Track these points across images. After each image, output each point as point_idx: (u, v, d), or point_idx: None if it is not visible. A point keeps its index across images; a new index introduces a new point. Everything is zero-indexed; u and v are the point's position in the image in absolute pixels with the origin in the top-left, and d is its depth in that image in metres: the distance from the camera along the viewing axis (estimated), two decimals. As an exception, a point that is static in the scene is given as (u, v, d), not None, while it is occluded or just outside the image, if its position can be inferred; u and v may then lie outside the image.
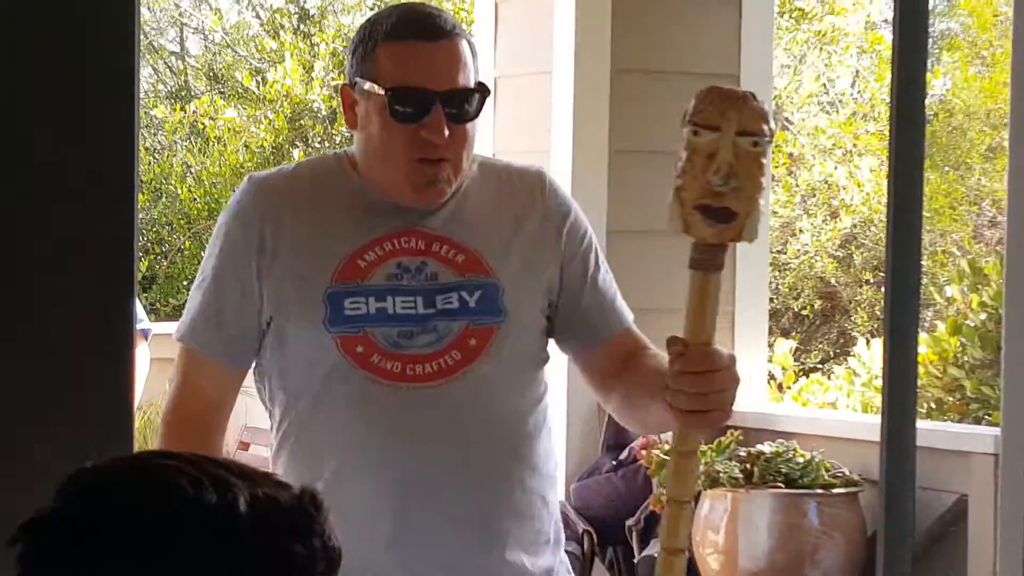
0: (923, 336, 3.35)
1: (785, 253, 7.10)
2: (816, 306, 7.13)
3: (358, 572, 1.35)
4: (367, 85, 1.53)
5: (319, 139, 8.36)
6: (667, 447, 2.56)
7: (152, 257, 8.03)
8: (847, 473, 2.60)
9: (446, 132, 1.49)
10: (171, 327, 5.95)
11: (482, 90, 1.58)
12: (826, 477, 2.56)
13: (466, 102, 1.54)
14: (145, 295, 7.22)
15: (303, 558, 0.86)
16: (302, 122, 8.31)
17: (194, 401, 1.60)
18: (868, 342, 3.85)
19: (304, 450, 1.57)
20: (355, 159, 1.60)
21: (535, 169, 1.70)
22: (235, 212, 1.61)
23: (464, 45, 1.57)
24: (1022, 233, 2.23)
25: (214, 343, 1.57)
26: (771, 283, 5.43)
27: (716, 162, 1.28)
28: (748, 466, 2.49)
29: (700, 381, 1.34)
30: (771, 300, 5.22)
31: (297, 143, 8.25)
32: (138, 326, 3.21)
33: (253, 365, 1.58)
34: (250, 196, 1.61)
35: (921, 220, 1.75)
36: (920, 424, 1.50)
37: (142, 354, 4.07)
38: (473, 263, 1.56)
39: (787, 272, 7.24)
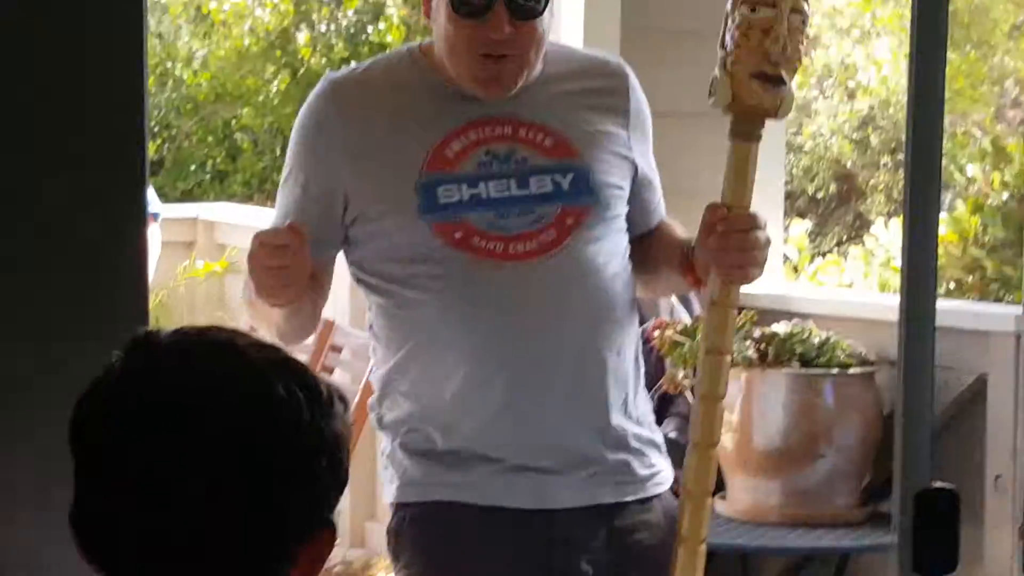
0: (943, 216, 3.34)
1: (800, 135, 7.05)
2: (832, 189, 7.09)
3: (471, 441, 1.53)
4: None
5: (324, 22, 8.28)
6: (680, 327, 2.57)
7: (159, 142, 8.03)
8: (863, 353, 2.59)
9: (508, 29, 1.53)
10: (179, 210, 5.93)
11: None
12: (841, 357, 2.56)
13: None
14: (153, 179, 7.23)
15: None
16: (307, 5, 8.24)
17: None
18: (886, 223, 3.83)
19: (406, 335, 1.62)
20: (428, 50, 1.64)
21: (618, 63, 1.76)
22: (314, 113, 1.64)
23: None
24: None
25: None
26: (786, 165, 5.41)
27: (773, 35, 1.46)
28: (763, 346, 2.50)
29: (744, 240, 1.51)
30: (786, 183, 5.21)
31: (302, 26, 8.18)
32: (148, 210, 3.32)
33: (348, 263, 1.65)
34: (329, 97, 1.64)
35: (943, 97, 1.74)
36: (940, 303, 1.49)
37: (153, 237, 4.12)
38: (562, 147, 1.62)
39: (802, 154, 7.20)
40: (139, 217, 1.44)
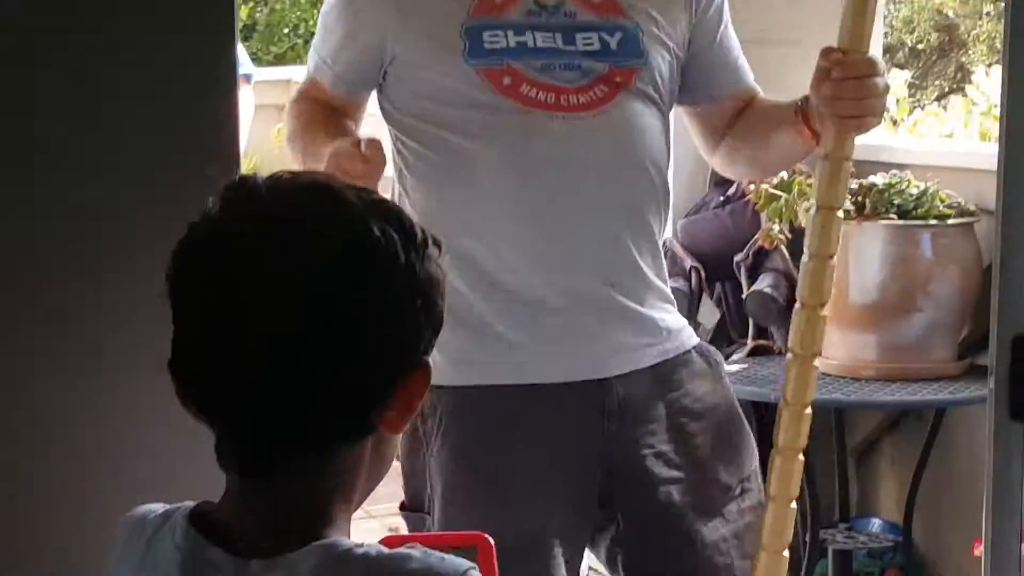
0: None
1: (900, -16, 6.79)
2: (932, 40, 6.82)
3: (509, 292, 1.51)
4: None
5: None
6: (775, 181, 2.54)
7: (252, 5, 8.01)
8: (962, 203, 2.54)
9: None
10: (273, 73, 5.96)
11: None
12: (940, 208, 2.51)
13: None
14: (246, 43, 7.28)
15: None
16: None
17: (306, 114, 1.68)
18: (987, 71, 3.68)
19: (441, 183, 1.59)
20: None
21: None
22: None
23: None
24: None
25: (337, 80, 1.62)
26: (884, 16, 5.22)
27: None
28: (860, 198, 2.46)
29: (861, 87, 1.43)
30: (885, 35, 5.02)
31: None
32: (240, 71, 3.30)
33: (383, 104, 1.63)
34: None
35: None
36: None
37: (246, 98, 4.16)
38: (610, 5, 1.58)
39: (901, 5, 6.93)
40: (230, 76, 1.44)
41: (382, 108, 1.64)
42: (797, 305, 1.44)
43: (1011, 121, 1.40)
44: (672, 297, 1.65)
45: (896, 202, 2.48)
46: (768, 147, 1.67)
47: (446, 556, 0.89)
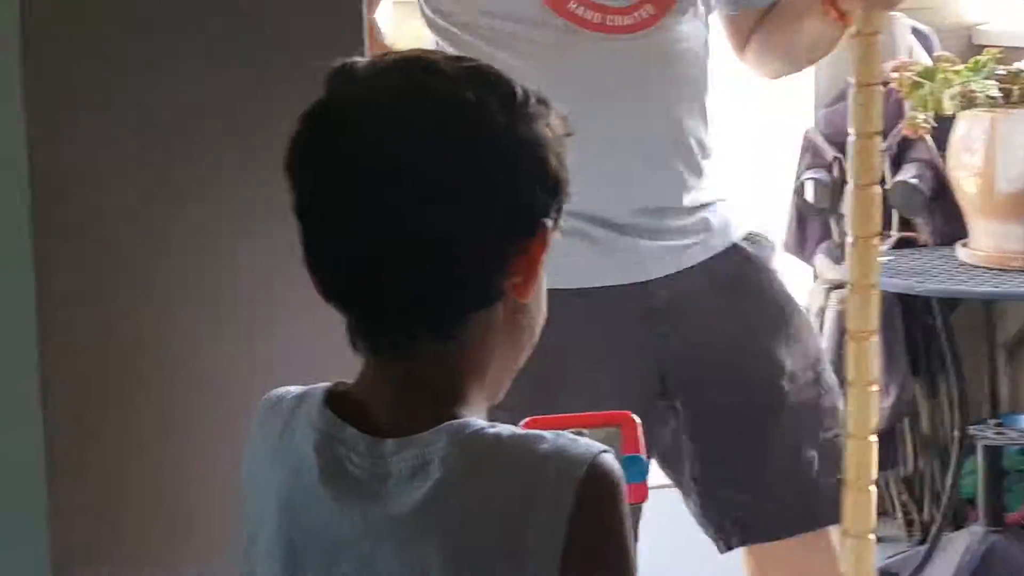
0: None
1: None
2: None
3: None
4: None
5: None
6: (919, 68, 2.50)
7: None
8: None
9: None
10: None
11: None
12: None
13: None
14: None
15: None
16: None
17: None
18: None
19: None
20: None
21: None
22: None
23: None
24: None
25: None
26: None
27: None
28: (1007, 85, 2.40)
29: None
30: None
31: None
32: None
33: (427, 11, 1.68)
34: None
35: None
36: None
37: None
38: None
39: None
40: None
41: (427, 18, 1.70)
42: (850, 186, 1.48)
43: None
44: (721, 192, 1.68)
45: (1045, 88, 2.41)
46: (798, 35, 1.68)
47: (579, 438, 0.88)
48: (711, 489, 1.68)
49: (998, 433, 2.76)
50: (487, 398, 0.92)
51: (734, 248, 1.65)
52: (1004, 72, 2.41)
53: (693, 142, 1.65)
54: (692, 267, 1.62)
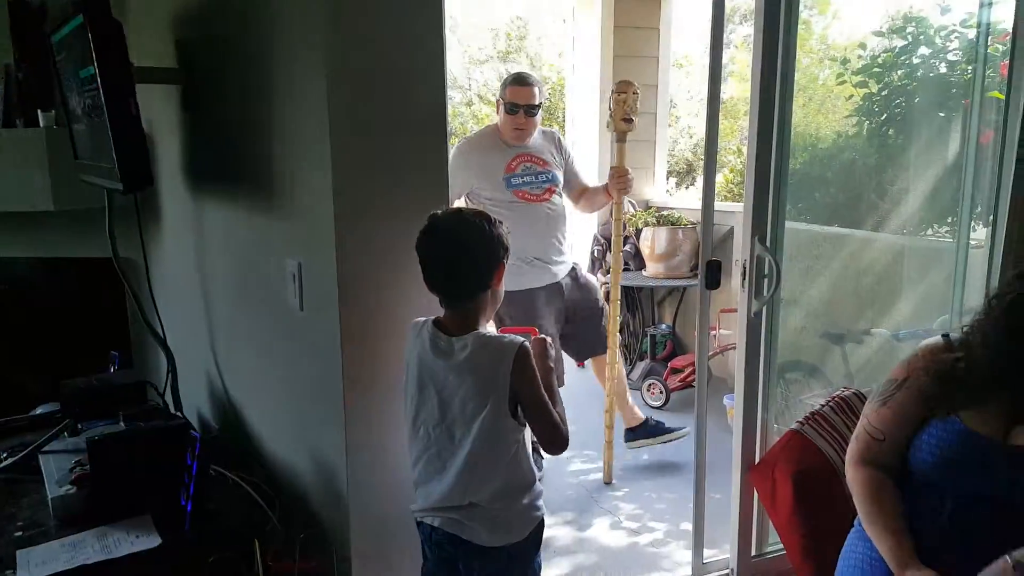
0: None
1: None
2: None
3: (529, 256, 4.53)
4: (502, 98, 4.47)
5: None
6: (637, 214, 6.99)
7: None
8: None
9: (524, 119, 4.45)
10: None
11: (540, 104, 4.40)
12: None
13: (534, 108, 4.43)
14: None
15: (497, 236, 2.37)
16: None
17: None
18: None
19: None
20: (499, 128, 4.54)
21: (552, 130, 4.66)
22: (459, 152, 4.39)
23: (537, 88, 4.41)
24: None
25: (459, 193, 4.41)
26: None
27: (626, 104, 4.44)
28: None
29: (624, 179, 4.49)
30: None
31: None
32: None
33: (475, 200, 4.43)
34: (467, 145, 4.46)
35: None
36: None
37: None
38: (545, 164, 4.56)
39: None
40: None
41: (473, 198, 4.31)
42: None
43: None
44: (565, 252, 4.55)
45: None
46: (594, 202, 4.58)
47: (518, 336, 2.29)
48: (574, 342, 4.71)
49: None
50: (485, 322, 2.42)
51: (574, 269, 4.57)
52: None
53: (562, 236, 4.49)
54: (567, 275, 4.56)
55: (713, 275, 3.51)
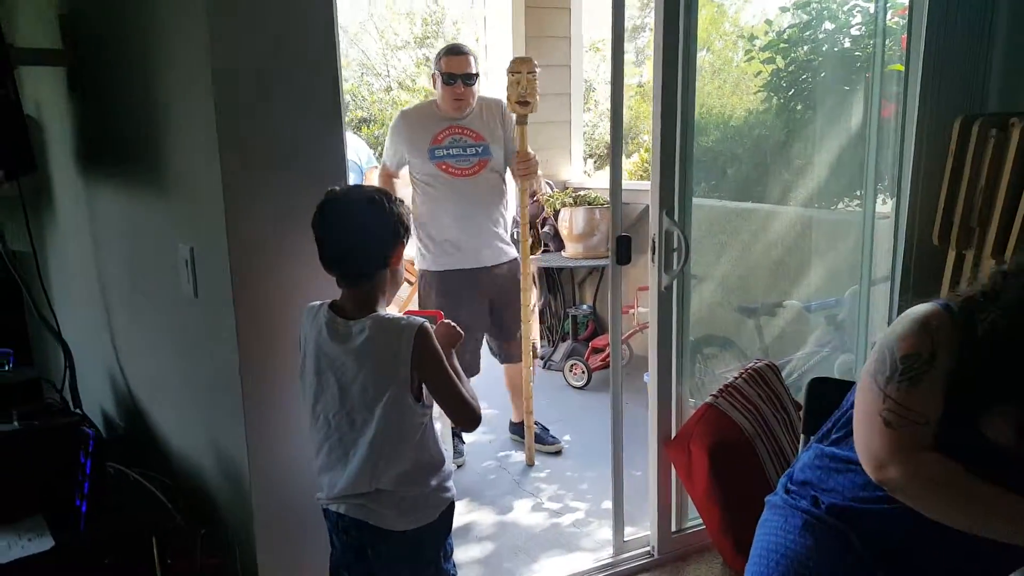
0: None
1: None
2: None
3: (447, 239, 4.48)
4: (438, 71, 4.37)
5: None
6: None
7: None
8: None
9: (462, 89, 4.34)
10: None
11: (477, 74, 4.34)
12: None
13: (471, 77, 4.34)
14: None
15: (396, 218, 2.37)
16: None
17: (384, 178, 4.54)
18: None
19: (426, 203, 4.41)
20: (437, 101, 4.43)
21: (498, 99, 4.47)
22: (394, 123, 4.44)
23: (473, 57, 4.35)
24: None
25: (390, 164, 4.47)
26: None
27: (521, 84, 4.33)
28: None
29: (528, 163, 4.41)
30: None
31: None
32: (371, 163, 7.32)
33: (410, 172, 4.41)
34: (400, 116, 4.45)
35: None
36: None
37: (373, 176, 7.73)
38: (479, 137, 4.41)
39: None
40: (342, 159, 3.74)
41: (410, 175, 4.32)
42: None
43: None
44: (507, 239, 4.48)
45: None
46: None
47: (418, 317, 2.31)
48: (498, 339, 4.77)
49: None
50: (385, 304, 2.40)
51: (515, 262, 4.50)
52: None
53: (496, 217, 4.40)
54: (504, 263, 4.49)
55: (624, 250, 3.50)
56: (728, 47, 5.85)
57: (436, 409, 2.44)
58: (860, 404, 2.22)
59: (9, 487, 2.63)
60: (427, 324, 2.31)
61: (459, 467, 4.87)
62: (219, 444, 2.79)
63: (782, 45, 4.74)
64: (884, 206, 4.04)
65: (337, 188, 2.37)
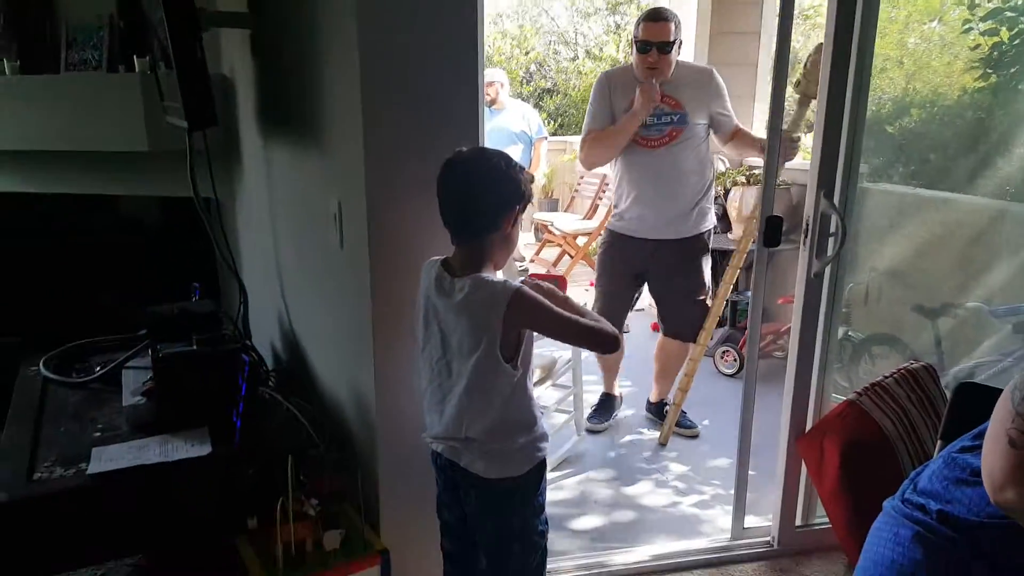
0: None
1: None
2: None
3: (636, 212, 4.49)
4: (635, 36, 4.20)
5: None
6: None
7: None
8: None
9: (656, 56, 4.14)
10: (557, 139, 11.18)
11: (675, 41, 4.11)
12: None
13: (668, 45, 4.13)
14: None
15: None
16: None
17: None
18: None
19: (617, 165, 4.41)
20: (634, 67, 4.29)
21: (708, 68, 4.34)
22: (598, 84, 4.31)
23: (672, 24, 4.10)
24: None
25: (599, 128, 4.31)
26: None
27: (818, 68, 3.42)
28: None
29: (793, 146, 4.17)
30: None
31: None
32: (541, 133, 7.64)
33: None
34: (605, 77, 4.32)
35: None
36: None
37: (544, 146, 8.08)
38: (677, 104, 4.23)
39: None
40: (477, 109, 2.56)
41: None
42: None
43: None
44: (707, 212, 4.28)
45: None
46: (744, 150, 4.29)
47: (516, 282, 2.29)
48: (663, 311, 4.70)
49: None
50: (493, 267, 2.40)
51: (702, 238, 4.35)
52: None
53: (692, 192, 4.23)
54: (671, 240, 4.34)
55: (773, 232, 3.31)
56: (933, 10, 5.18)
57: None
58: (994, 418, 2.09)
59: (183, 399, 2.97)
60: (523, 288, 2.35)
61: (599, 432, 4.99)
62: (354, 383, 3.01)
63: (1009, 14, 4.15)
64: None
65: (464, 149, 2.40)
